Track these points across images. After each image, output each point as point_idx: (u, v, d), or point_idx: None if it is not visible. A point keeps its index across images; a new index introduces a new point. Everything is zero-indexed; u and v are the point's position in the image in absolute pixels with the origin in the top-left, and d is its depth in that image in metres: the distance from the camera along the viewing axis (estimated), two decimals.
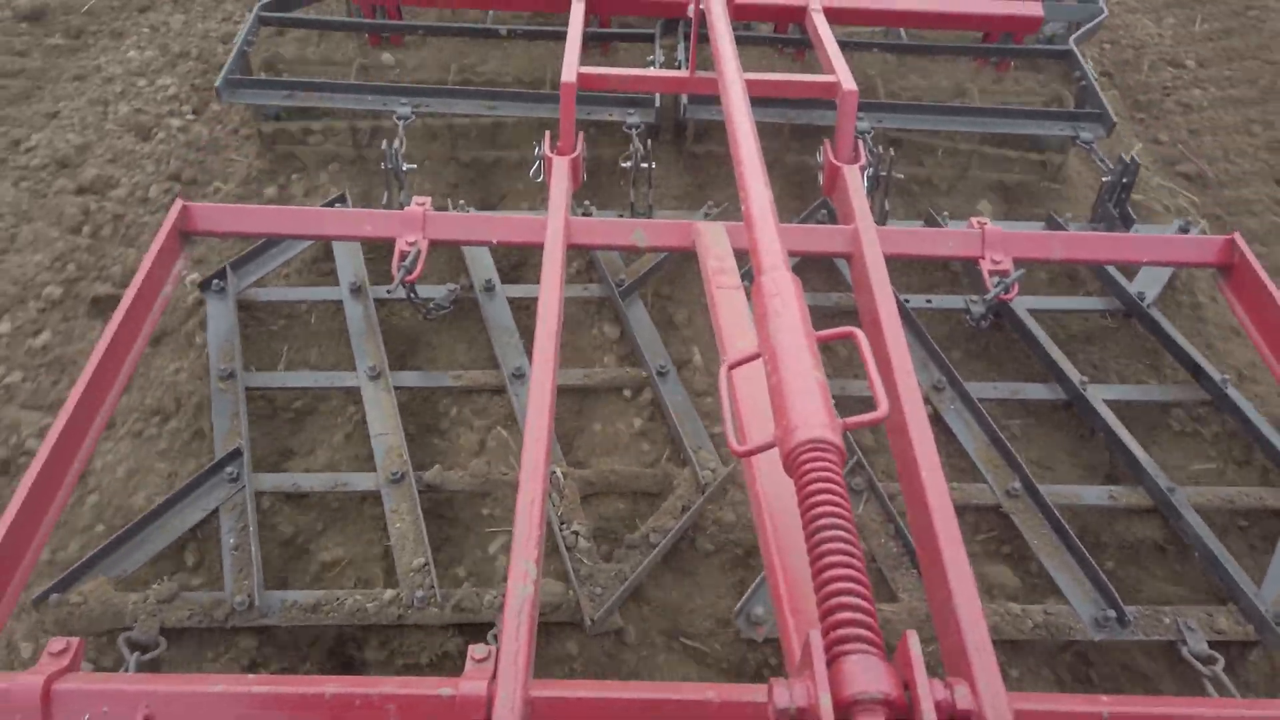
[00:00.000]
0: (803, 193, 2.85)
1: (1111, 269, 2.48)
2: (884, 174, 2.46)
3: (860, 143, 2.39)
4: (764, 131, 2.09)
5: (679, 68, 2.91)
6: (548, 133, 2.39)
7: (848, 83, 2.32)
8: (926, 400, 2.15)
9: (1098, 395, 2.23)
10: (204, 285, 2.35)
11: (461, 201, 2.61)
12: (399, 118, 2.62)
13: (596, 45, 3.13)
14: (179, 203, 2.09)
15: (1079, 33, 3.16)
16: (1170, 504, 2.03)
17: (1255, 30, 3.85)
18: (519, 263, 2.57)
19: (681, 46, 3.01)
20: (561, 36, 2.72)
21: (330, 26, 3.14)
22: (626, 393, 2.30)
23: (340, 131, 2.85)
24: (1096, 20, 3.18)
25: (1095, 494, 2.09)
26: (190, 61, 3.36)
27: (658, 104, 2.74)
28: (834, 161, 2.32)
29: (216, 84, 2.63)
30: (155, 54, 3.38)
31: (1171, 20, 4.01)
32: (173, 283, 2.08)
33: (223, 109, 3.11)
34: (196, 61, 3.36)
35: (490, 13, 3.23)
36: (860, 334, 1.18)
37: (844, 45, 2.62)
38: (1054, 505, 1.99)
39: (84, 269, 2.53)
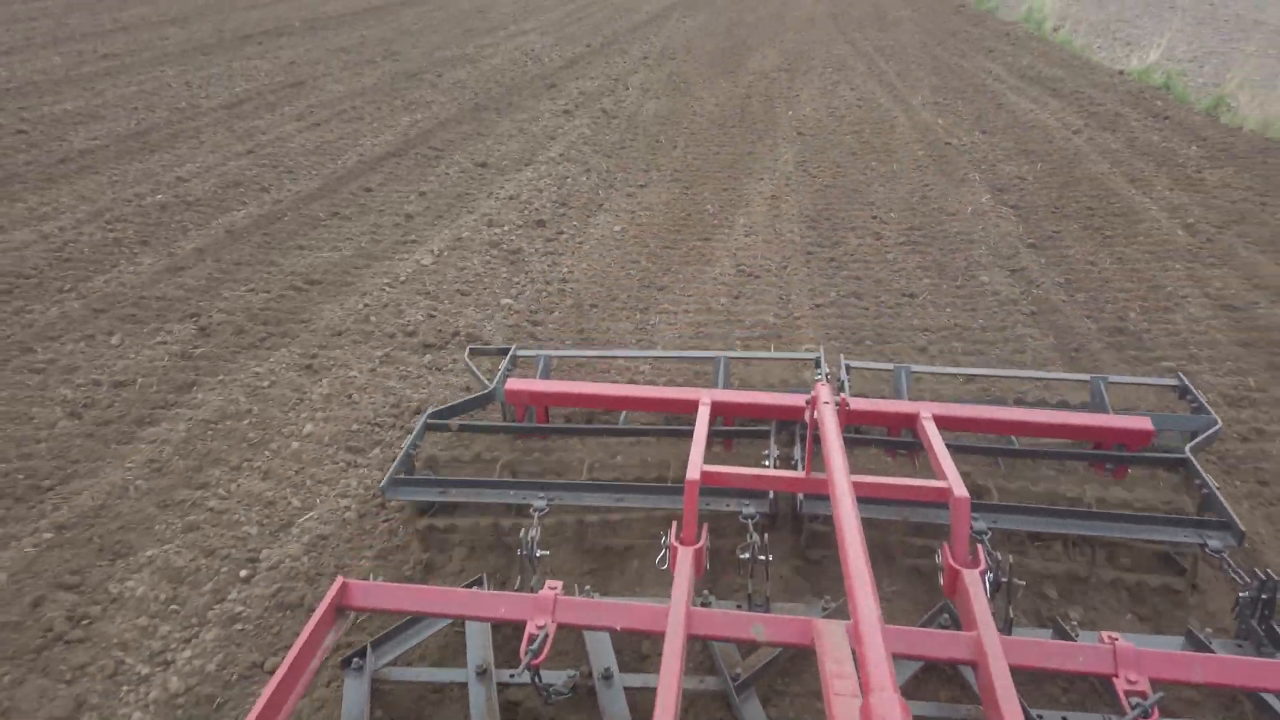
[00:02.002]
0: (924, 589, 2.81)
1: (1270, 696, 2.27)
2: (1005, 579, 2.37)
3: (979, 546, 2.39)
4: (881, 527, 2.31)
5: (793, 464, 3.02)
6: (674, 523, 2.51)
7: (959, 489, 2.35)
8: None
9: None
10: (345, 663, 2.40)
11: (588, 586, 2.66)
12: (535, 509, 2.78)
13: (718, 440, 3.29)
14: (339, 580, 2.25)
15: (1195, 441, 3.13)
16: None
17: (1071, 168, 7.28)
18: (637, 650, 2.59)
19: (798, 446, 3.10)
20: (681, 434, 3.06)
21: (487, 430, 3.44)
22: None
23: (483, 525, 3.02)
24: (1211, 431, 3.17)
25: None
26: (549, 182, 6.99)
27: (771, 496, 2.84)
28: (953, 565, 2.31)
29: (381, 484, 2.94)
30: (536, 175, 7.17)
31: (1026, 166, 7.41)
32: (322, 655, 2.16)
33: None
34: (554, 187, 6.90)
35: (623, 413, 3.51)
36: None
37: (955, 449, 2.71)
38: None
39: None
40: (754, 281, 5.25)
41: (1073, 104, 9.57)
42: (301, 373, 4.24)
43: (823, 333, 4.59)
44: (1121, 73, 11.09)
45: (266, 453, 3.64)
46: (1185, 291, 5.07)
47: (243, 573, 2.99)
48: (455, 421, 3.37)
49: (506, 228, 6.09)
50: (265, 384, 4.13)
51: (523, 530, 2.62)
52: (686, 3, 18.11)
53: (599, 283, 5.25)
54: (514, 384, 3.38)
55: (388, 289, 5.13)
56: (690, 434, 2.86)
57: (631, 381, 4.01)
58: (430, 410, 3.37)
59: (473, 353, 3.79)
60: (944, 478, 2.48)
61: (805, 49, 12.92)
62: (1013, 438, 3.34)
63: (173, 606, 2.85)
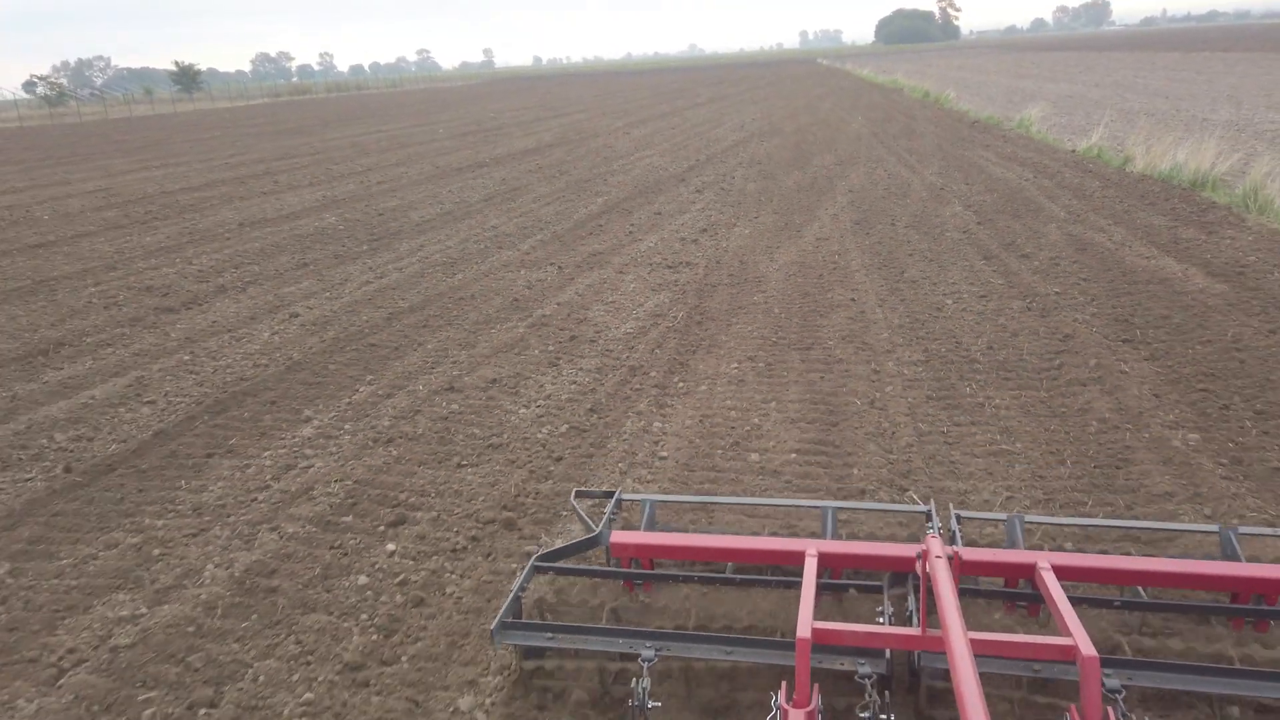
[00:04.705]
0: None
1: None
2: None
3: (1110, 710, 2.21)
4: (1001, 684, 2.28)
5: (909, 617, 2.89)
6: (784, 683, 2.47)
7: (1086, 647, 2.21)
8: None
9: None
10: None
11: None
12: (643, 659, 2.72)
13: (828, 594, 3.16)
14: None
15: None
16: None
17: (1014, 195, 11.61)
18: None
19: (911, 597, 2.97)
20: (789, 585, 3.04)
21: (594, 574, 3.40)
22: None
23: (588, 669, 2.99)
24: None
25: None
26: (701, 219, 11.00)
27: (888, 655, 2.67)
28: None
29: (491, 627, 2.92)
30: (691, 217, 11.17)
31: (988, 196, 11.26)
32: None
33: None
34: (704, 221, 10.94)
35: (729, 563, 3.44)
36: None
37: (1077, 601, 2.61)
38: None
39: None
40: (825, 242, 10.14)
41: (1030, 168, 14.47)
42: (617, 275, 9.23)
43: (860, 256, 9.41)
44: (1073, 150, 16.01)
45: (618, 293, 8.56)
46: (1051, 232, 9.81)
47: (634, 310, 7.86)
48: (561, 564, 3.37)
49: (685, 234, 11.14)
50: (603, 279, 9.12)
51: (633, 681, 2.66)
52: (759, 134, 23.78)
53: (745, 248, 10.16)
54: (619, 537, 3.38)
55: (637, 254, 10.16)
56: (797, 583, 2.87)
57: (742, 505, 4.07)
58: (538, 554, 3.36)
59: (578, 495, 3.83)
60: (1068, 633, 2.33)
61: (853, 153, 18.16)
62: (1139, 589, 3.14)
63: (614, 315, 7.72)
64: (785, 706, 2.39)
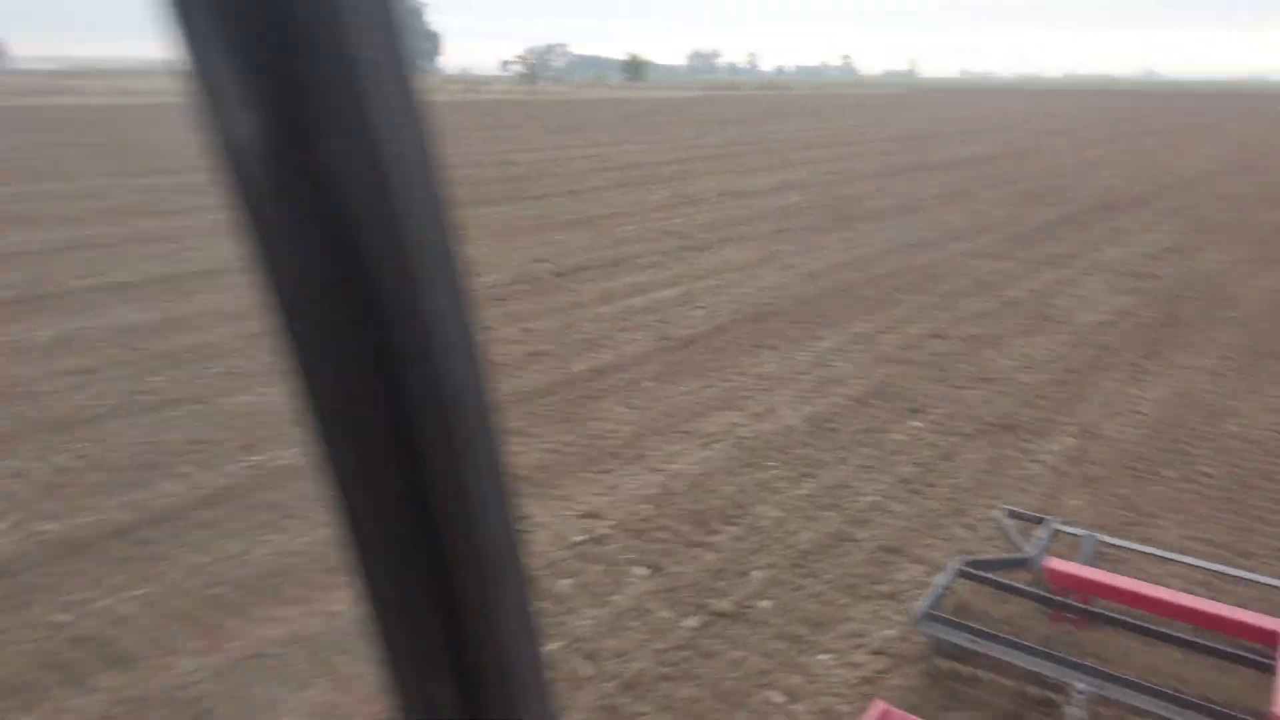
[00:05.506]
0: None
1: None
2: None
3: None
4: None
5: None
6: None
7: None
8: None
9: None
10: None
11: None
12: (1078, 690, 2.64)
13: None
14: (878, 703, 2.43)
15: None
16: None
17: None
18: None
19: None
20: (1254, 663, 2.82)
21: (1019, 594, 3.28)
22: None
23: (1005, 686, 2.89)
24: None
25: None
26: (1164, 237, 11.42)
27: None
28: None
29: (917, 612, 3.02)
30: (1155, 233, 11.51)
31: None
32: None
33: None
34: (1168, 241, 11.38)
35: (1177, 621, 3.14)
36: None
37: None
38: None
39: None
40: None
41: None
42: (1080, 275, 9.78)
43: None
44: None
45: (1082, 290, 9.15)
46: None
47: (1100, 305, 8.45)
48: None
49: (1148, 250, 11.20)
50: (1065, 276, 9.72)
51: (1065, 708, 2.61)
52: (1228, 169, 21.92)
53: (1216, 272, 10.09)
54: (1057, 565, 3.27)
55: (1098, 261, 10.54)
56: (1261, 661, 2.74)
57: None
58: (965, 559, 3.37)
59: (1010, 515, 3.83)
60: None
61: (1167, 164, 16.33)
62: None
63: (1081, 306, 8.38)
64: None
